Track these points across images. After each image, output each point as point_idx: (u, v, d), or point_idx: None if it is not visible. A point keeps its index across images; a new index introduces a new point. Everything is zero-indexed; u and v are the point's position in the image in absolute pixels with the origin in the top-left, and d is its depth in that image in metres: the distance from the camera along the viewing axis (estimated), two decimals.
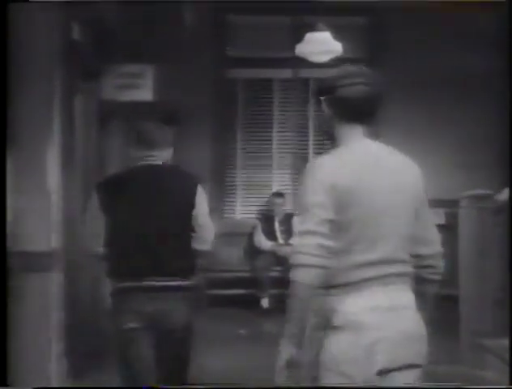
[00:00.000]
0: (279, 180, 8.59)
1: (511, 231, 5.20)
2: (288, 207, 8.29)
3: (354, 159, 2.50)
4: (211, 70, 8.14)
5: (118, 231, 3.37)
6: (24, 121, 4.65)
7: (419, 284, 2.56)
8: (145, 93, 6.48)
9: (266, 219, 8.18)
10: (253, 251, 8.10)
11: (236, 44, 8.31)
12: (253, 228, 8.20)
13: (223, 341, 6.37)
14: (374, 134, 2.56)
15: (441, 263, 2.62)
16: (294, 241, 3.00)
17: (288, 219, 8.12)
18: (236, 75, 8.51)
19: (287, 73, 8.47)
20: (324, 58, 6.68)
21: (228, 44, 8.33)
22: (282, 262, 7.74)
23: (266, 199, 8.36)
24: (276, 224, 8.15)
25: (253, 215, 8.38)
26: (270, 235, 8.11)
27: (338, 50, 6.63)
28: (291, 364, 2.41)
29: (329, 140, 2.62)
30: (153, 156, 3.43)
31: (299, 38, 7.50)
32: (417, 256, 2.56)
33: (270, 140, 8.60)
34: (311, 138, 8.57)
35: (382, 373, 2.43)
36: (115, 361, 3.48)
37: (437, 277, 2.63)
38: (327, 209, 2.40)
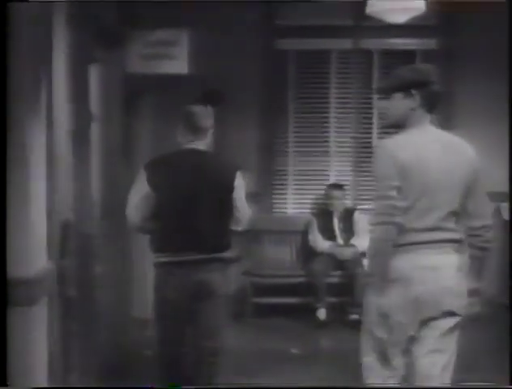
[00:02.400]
0: (337, 169, 7.66)
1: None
2: (348, 201, 7.46)
3: (419, 140, 3.14)
4: (256, 40, 7.22)
5: (164, 207, 3.76)
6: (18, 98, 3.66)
7: (472, 249, 3.23)
8: (179, 65, 5.81)
9: (323, 214, 7.30)
10: (307, 253, 7.28)
11: (286, 9, 7.33)
12: (308, 225, 7.35)
13: (270, 360, 5.65)
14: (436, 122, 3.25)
15: (489, 234, 3.24)
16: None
17: (348, 215, 7.26)
18: (287, 46, 7.52)
19: (346, 43, 7.50)
20: (402, 18, 5.68)
21: (277, 9, 7.36)
22: (342, 265, 6.97)
23: (322, 192, 7.48)
24: (335, 221, 7.27)
25: (308, 211, 7.55)
26: (328, 234, 7.23)
27: (420, 8, 5.62)
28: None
29: (395, 128, 3.26)
30: (197, 141, 3.85)
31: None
32: (469, 227, 3.21)
33: (327, 123, 7.63)
34: (375, 120, 7.59)
35: (425, 320, 3.14)
36: None
37: (487, 245, 3.25)
38: (394, 178, 3.06)
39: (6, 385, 3.19)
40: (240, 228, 3.94)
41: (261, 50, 7.32)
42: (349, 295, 6.70)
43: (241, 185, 3.89)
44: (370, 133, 7.57)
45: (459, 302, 3.16)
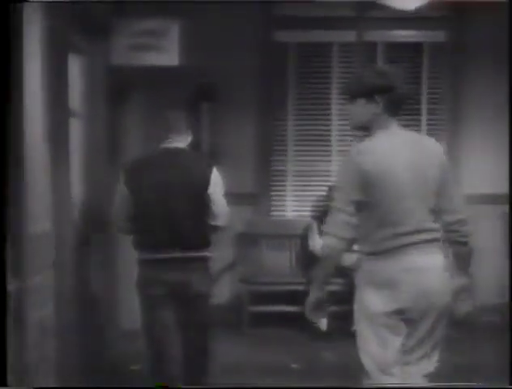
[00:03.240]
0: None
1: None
2: None
3: (387, 145, 3.19)
4: (254, 31, 6.87)
5: (141, 208, 3.87)
6: None
7: (453, 246, 3.29)
8: (169, 57, 5.39)
9: (324, 218, 6.66)
10: (307, 258, 6.90)
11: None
12: (308, 229, 7.01)
13: (268, 375, 5.38)
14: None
15: (465, 228, 3.30)
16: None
17: None
18: (287, 38, 7.15)
19: (349, 35, 7.14)
20: (412, 5, 5.34)
21: None
22: (344, 272, 6.40)
23: (323, 193, 7.09)
24: None
25: (308, 214, 7.19)
26: None
27: None
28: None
29: (361, 131, 3.30)
30: (174, 140, 3.96)
31: None
32: (445, 223, 3.27)
33: (329, 120, 7.27)
34: None
35: (411, 320, 3.23)
36: None
37: (465, 239, 3.31)
38: (354, 192, 3.14)
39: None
40: (219, 223, 4.00)
41: (259, 42, 6.97)
42: (352, 304, 6.31)
43: (217, 182, 3.95)
44: None
45: (448, 302, 3.26)
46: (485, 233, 6.34)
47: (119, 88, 5.49)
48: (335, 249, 3.20)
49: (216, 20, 6.48)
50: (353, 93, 3.25)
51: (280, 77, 7.14)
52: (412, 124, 7.03)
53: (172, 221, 3.85)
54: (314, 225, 6.93)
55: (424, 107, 7.15)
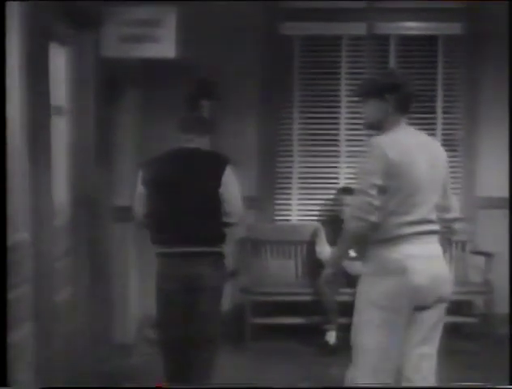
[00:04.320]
0: (348, 171, 6.96)
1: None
2: None
3: (404, 140, 3.46)
4: (258, 23, 6.53)
5: (157, 205, 4.14)
6: None
7: (442, 240, 3.56)
8: (165, 49, 5.06)
9: (332, 223, 6.62)
10: (314, 266, 6.63)
11: None
12: (315, 235, 6.76)
13: None
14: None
15: (456, 227, 3.70)
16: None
17: None
18: (292, 31, 6.80)
19: (359, 28, 6.79)
20: None
21: None
22: (354, 281, 6.07)
23: (331, 197, 6.88)
24: None
25: (315, 218, 6.93)
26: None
27: None
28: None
29: (373, 129, 3.58)
30: (191, 141, 4.22)
31: None
32: (443, 219, 3.56)
33: (337, 119, 6.94)
34: None
35: (420, 308, 3.41)
36: None
37: (452, 236, 3.76)
38: (379, 177, 3.36)
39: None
40: (231, 221, 4.18)
41: (262, 35, 6.63)
42: None
43: (230, 179, 4.16)
44: None
45: (450, 290, 3.53)
46: (502, 239, 6.04)
47: (110, 83, 5.15)
48: (359, 231, 3.40)
49: (217, 10, 6.14)
50: (366, 93, 3.57)
51: (285, 73, 6.80)
52: (427, 123, 6.72)
53: (185, 218, 4.08)
54: (322, 231, 6.68)
55: (439, 105, 6.78)
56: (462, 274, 6.64)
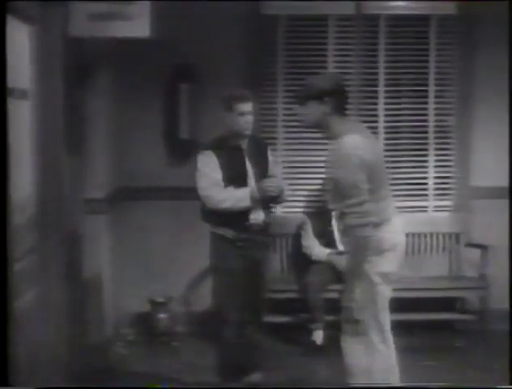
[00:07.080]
0: None
1: (511, 230, 5.60)
2: None
3: (367, 140, 3.82)
4: (239, 1, 6.13)
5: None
6: None
7: None
8: (138, 27, 4.62)
9: (320, 215, 6.40)
10: (300, 261, 6.41)
11: None
12: (301, 228, 6.47)
13: None
14: None
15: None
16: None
17: None
18: (276, 10, 6.43)
19: (347, 7, 6.45)
20: None
21: None
22: (342, 277, 5.83)
23: (318, 187, 6.55)
24: (334, 223, 6.31)
25: (301, 210, 6.62)
26: (325, 238, 6.35)
27: None
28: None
29: (320, 131, 3.88)
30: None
31: None
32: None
33: None
34: (381, 99, 6.54)
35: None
36: None
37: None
38: (364, 181, 3.68)
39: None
40: (275, 194, 4.64)
41: (244, 14, 6.27)
42: None
43: (273, 160, 4.83)
44: (375, 115, 6.51)
45: None
46: (499, 231, 5.78)
47: (80, 65, 4.73)
48: (369, 235, 3.67)
49: None
50: (306, 96, 3.80)
51: (269, 54, 6.44)
52: (417, 108, 6.40)
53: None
54: (308, 223, 6.40)
55: (431, 89, 6.46)
56: (456, 268, 6.39)
